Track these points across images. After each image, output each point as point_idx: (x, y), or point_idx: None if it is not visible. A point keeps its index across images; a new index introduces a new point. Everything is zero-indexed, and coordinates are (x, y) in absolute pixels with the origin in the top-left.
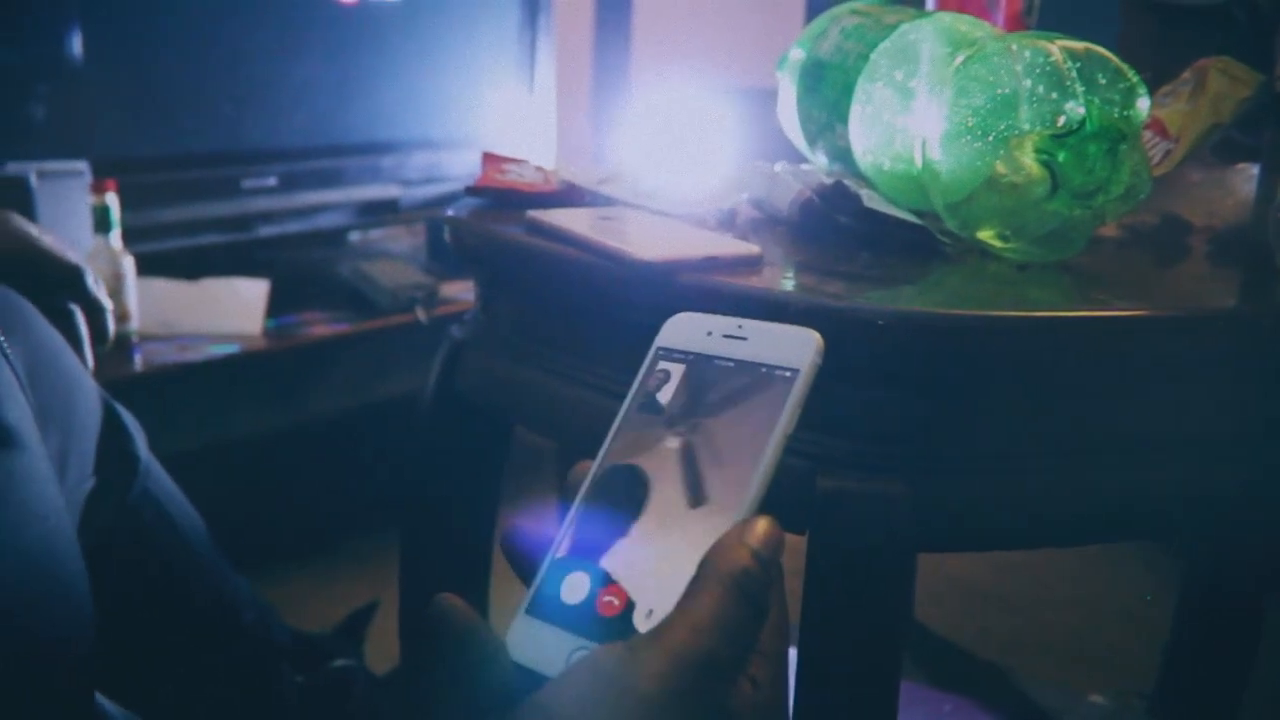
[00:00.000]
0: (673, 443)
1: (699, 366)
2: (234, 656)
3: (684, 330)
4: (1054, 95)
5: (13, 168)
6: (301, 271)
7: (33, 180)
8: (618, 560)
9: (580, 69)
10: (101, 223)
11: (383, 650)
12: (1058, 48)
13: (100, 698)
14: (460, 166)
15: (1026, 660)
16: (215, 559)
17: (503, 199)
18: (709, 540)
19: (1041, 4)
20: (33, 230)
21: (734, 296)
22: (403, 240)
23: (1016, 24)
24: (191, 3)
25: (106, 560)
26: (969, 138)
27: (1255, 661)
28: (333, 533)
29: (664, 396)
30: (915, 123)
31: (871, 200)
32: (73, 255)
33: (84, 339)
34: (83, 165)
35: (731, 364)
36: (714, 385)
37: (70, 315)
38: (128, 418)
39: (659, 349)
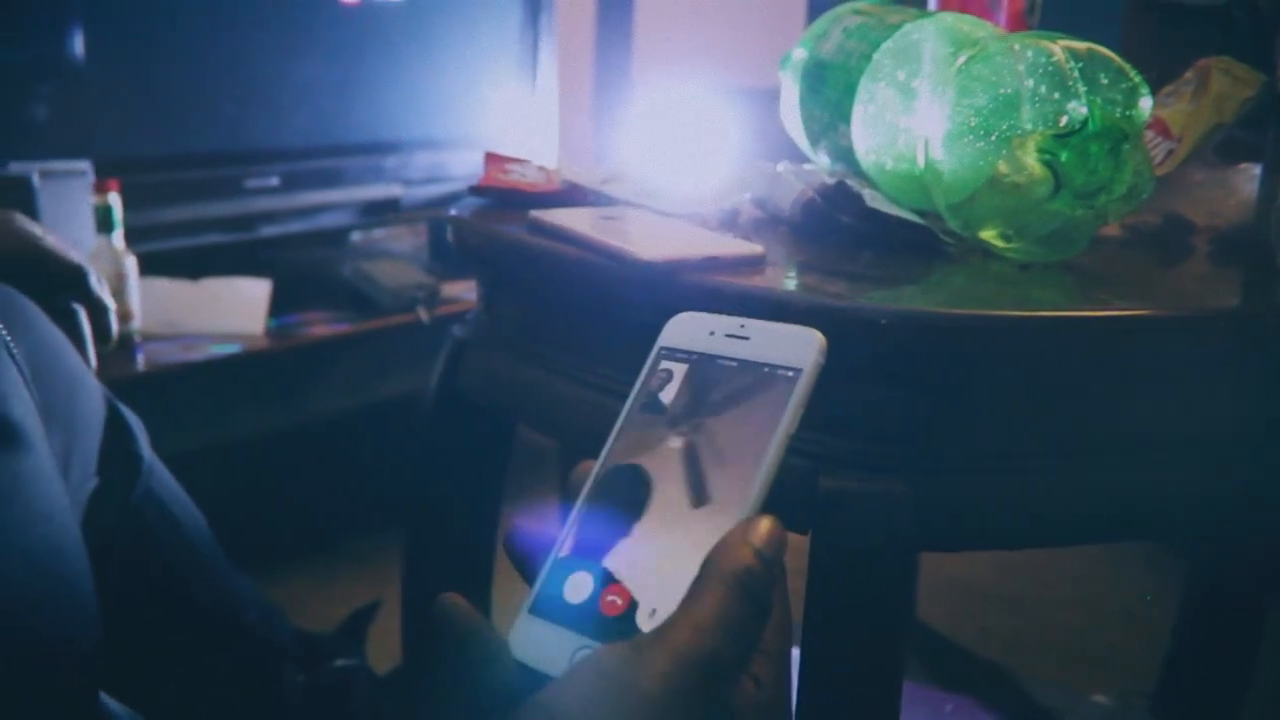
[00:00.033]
0: (675, 442)
1: (701, 366)
2: (236, 656)
3: (686, 330)
4: (1056, 95)
5: (15, 168)
6: (304, 271)
7: (35, 180)
8: (621, 560)
9: (582, 69)
10: (104, 222)
11: (385, 650)
12: (1060, 47)
13: (104, 697)
14: (462, 166)
15: (1028, 660)
16: (218, 559)
17: (505, 199)
18: (712, 540)
19: (1044, 4)
20: (36, 230)
21: (736, 296)
22: (405, 240)
23: (1019, 24)
24: (194, 3)
25: (109, 560)
26: (971, 137)
27: (1257, 661)
28: (334, 532)
29: (666, 396)
30: (918, 122)
31: (874, 200)
32: (76, 255)
33: (87, 339)
34: (85, 165)
35: (734, 364)
36: (716, 385)
37: (73, 315)
38: (131, 417)
39: (661, 349)
